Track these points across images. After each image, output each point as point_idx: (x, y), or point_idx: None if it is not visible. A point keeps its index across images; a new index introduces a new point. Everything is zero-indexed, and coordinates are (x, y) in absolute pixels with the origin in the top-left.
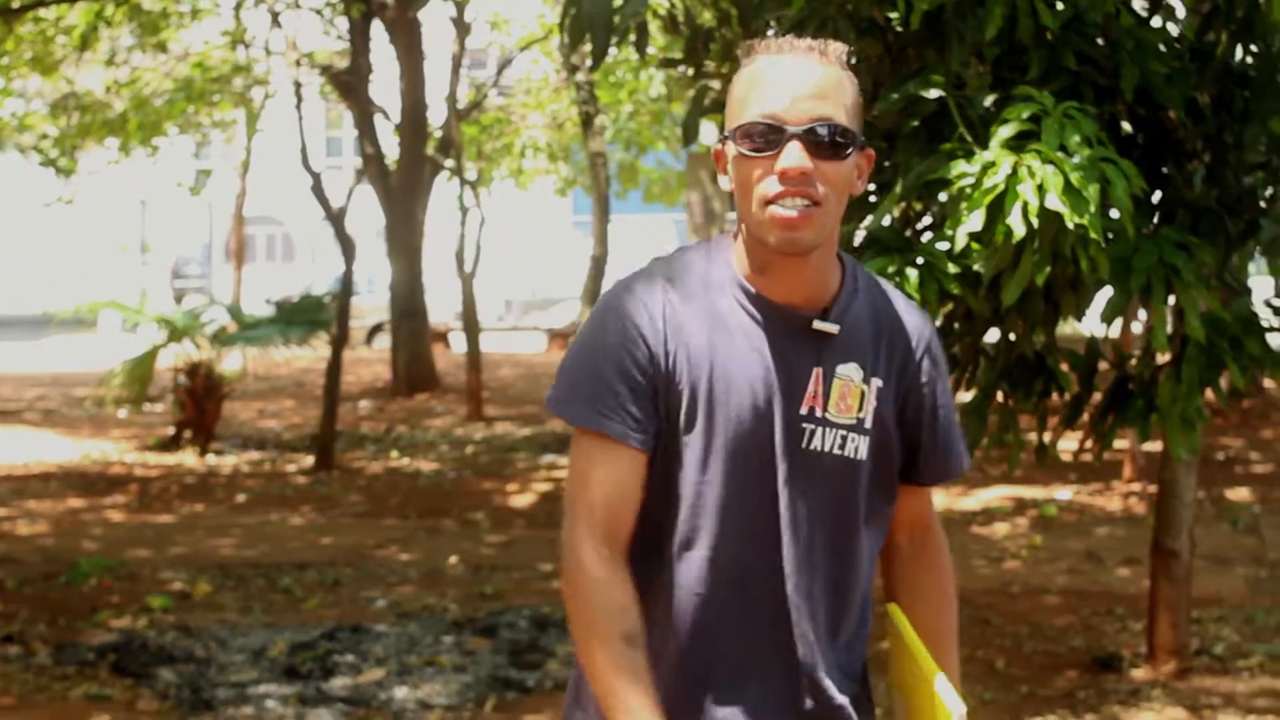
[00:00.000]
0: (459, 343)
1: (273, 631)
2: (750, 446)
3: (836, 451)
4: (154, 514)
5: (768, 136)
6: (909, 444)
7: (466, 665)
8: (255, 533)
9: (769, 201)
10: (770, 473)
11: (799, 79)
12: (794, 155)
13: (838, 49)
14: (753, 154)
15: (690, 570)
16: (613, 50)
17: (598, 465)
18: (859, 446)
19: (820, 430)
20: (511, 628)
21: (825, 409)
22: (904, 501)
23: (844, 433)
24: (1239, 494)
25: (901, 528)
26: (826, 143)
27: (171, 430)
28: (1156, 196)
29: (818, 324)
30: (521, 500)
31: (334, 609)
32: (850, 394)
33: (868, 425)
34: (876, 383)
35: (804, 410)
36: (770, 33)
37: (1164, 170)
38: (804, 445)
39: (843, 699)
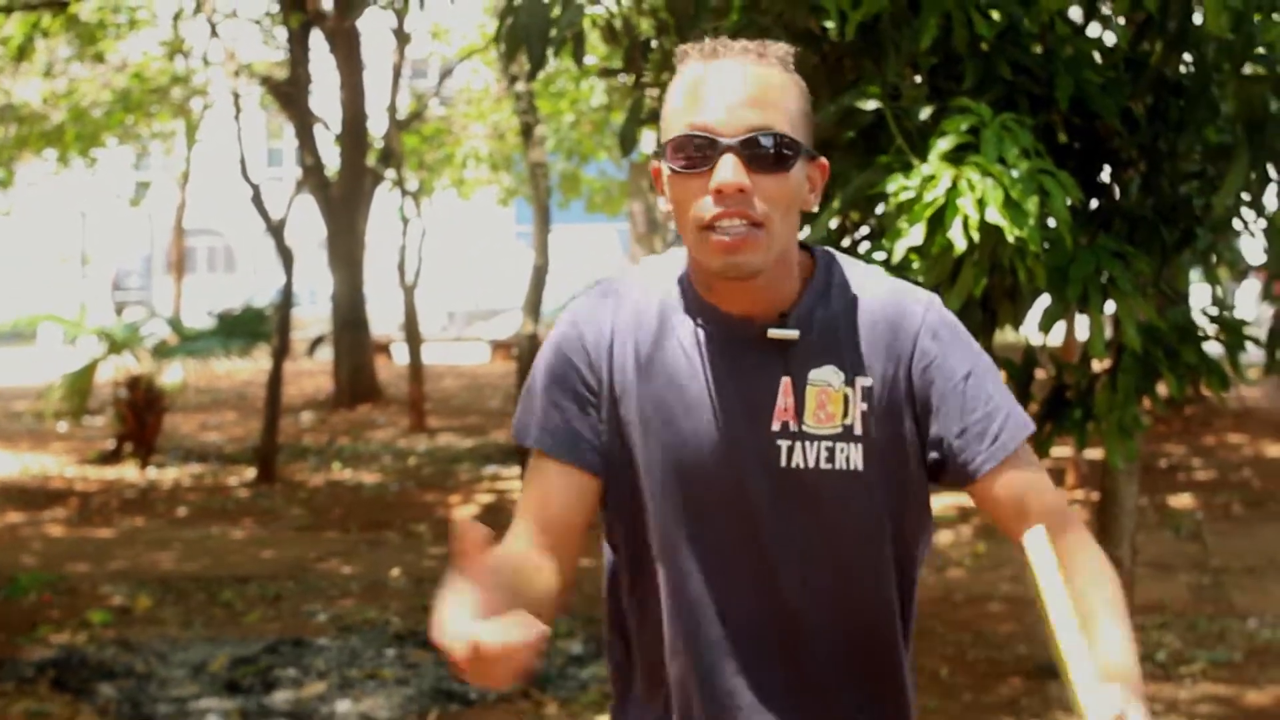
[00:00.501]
0: (401, 354)
1: (214, 646)
2: (718, 473)
3: (825, 466)
4: (94, 528)
5: (701, 151)
6: (937, 436)
7: (409, 678)
8: (196, 546)
9: (705, 226)
10: (746, 499)
11: (734, 84)
12: (729, 171)
13: (780, 50)
14: (685, 171)
15: (671, 608)
16: (553, 60)
17: (537, 480)
18: (850, 456)
19: (799, 445)
20: None
21: (801, 421)
22: (988, 497)
23: (829, 444)
24: (1181, 501)
25: (1012, 526)
26: (767, 155)
27: (112, 443)
28: (1092, 205)
29: (773, 332)
30: (464, 512)
31: (275, 623)
32: (830, 400)
33: (858, 431)
34: (863, 382)
35: (776, 426)
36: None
37: (1100, 179)
38: (782, 464)
39: None
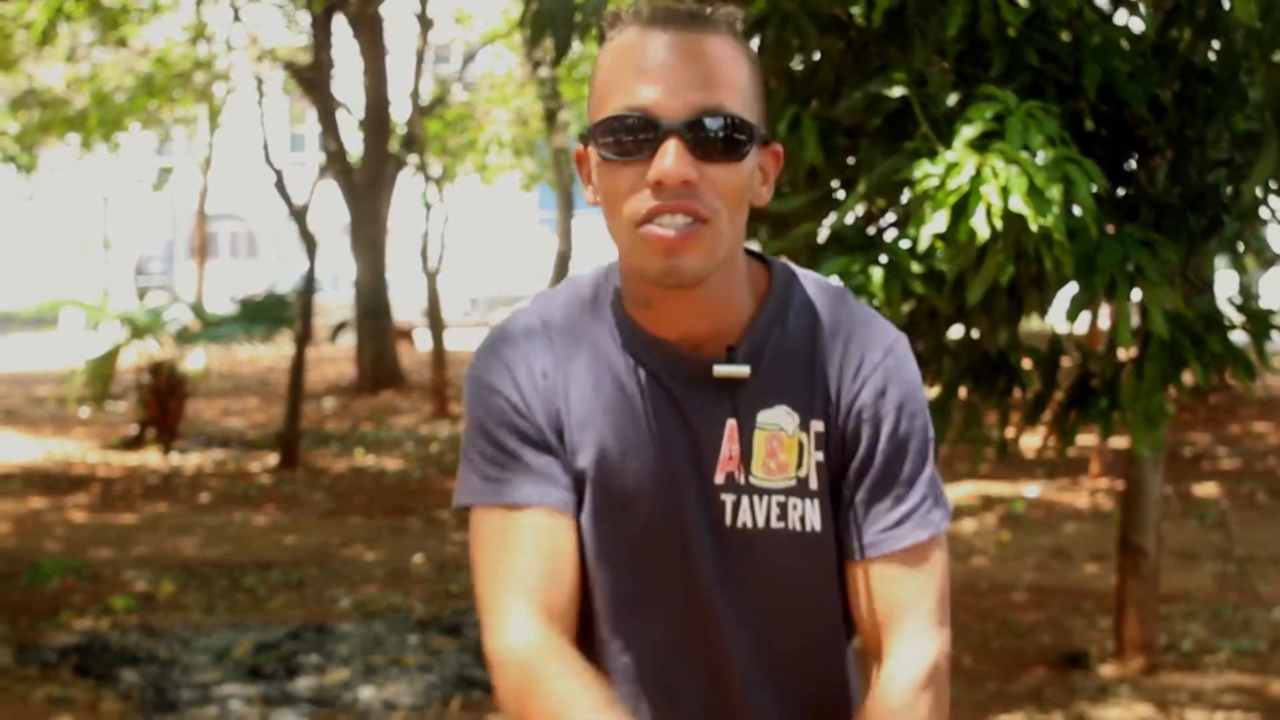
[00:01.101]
0: (424, 340)
1: (237, 632)
2: (660, 532)
3: (776, 525)
4: (117, 514)
5: (637, 135)
6: (846, 497)
7: (432, 665)
8: (219, 532)
9: (641, 221)
10: (690, 563)
11: (677, 57)
12: (671, 159)
13: (728, 13)
14: (618, 158)
15: (619, 678)
16: (578, 45)
17: (513, 541)
18: (806, 514)
19: (745, 500)
20: (477, 627)
21: (749, 472)
22: (857, 590)
23: (780, 499)
24: (1206, 490)
25: (867, 626)
26: (716, 140)
27: (134, 429)
28: (1119, 193)
29: (719, 369)
30: None
31: (298, 609)
32: (782, 447)
33: (813, 485)
34: (817, 427)
35: (720, 478)
36: None
37: (1127, 167)
38: (729, 522)
39: None
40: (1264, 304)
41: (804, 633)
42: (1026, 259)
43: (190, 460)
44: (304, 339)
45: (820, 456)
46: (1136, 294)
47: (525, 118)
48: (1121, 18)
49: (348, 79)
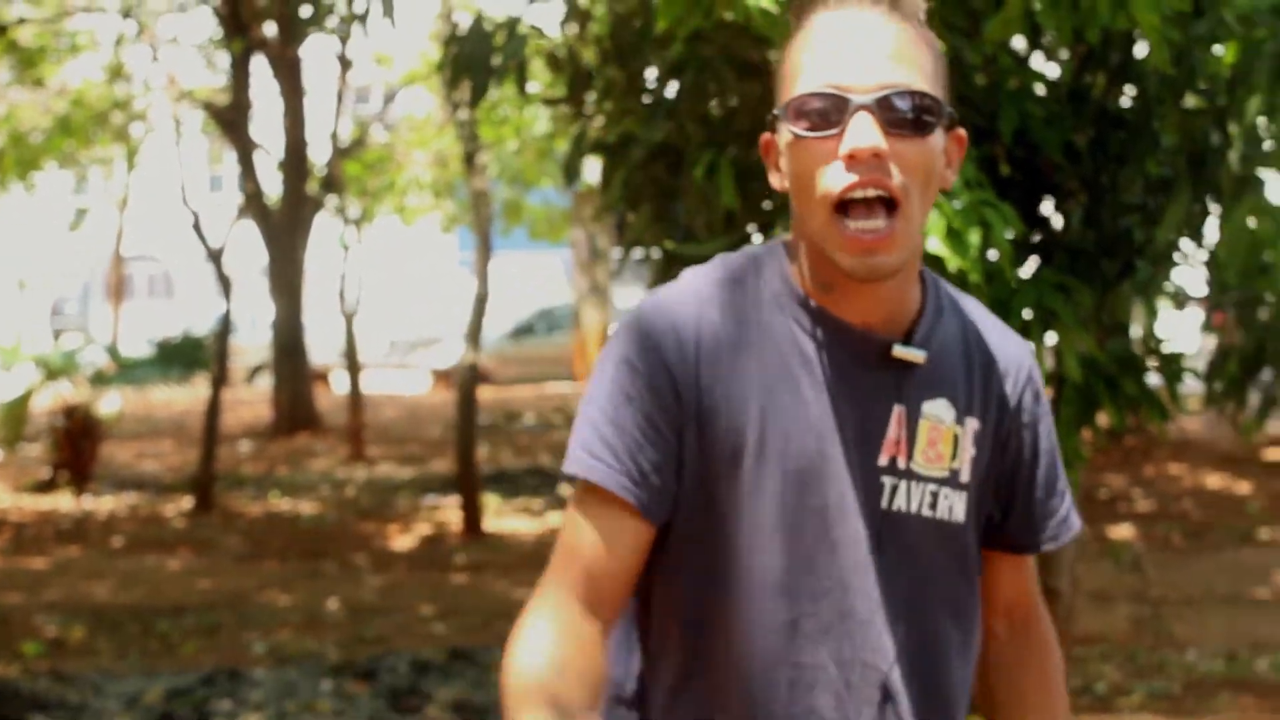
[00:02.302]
0: (341, 382)
1: (148, 678)
2: (816, 507)
3: (927, 513)
4: (28, 557)
5: (829, 112)
6: (1004, 500)
7: (345, 710)
8: (132, 577)
9: (837, 202)
10: (847, 542)
11: (865, 37)
12: (864, 131)
13: (914, 3)
14: (810, 134)
15: (747, 666)
16: (496, 88)
17: (589, 524)
18: (954, 505)
19: (905, 485)
20: (391, 672)
21: (910, 458)
22: (999, 576)
23: (934, 487)
24: (1122, 532)
25: (998, 612)
26: (905, 116)
27: (47, 472)
28: (1035, 238)
29: (898, 350)
30: (403, 542)
31: (211, 654)
32: (941, 438)
33: (964, 478)
34: (972, 424)
35: (884, 460)
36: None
37: (1041, 212)
38: (885, 505)
39: None
40: (1179, 347)
41: (941, 626)
42: None
43: (104, 504)
44: (220, 381)
45: (973, 452)
46: (1051, 337)
47: (445, 159)
48: (1038, 62)
49: (267, 120)
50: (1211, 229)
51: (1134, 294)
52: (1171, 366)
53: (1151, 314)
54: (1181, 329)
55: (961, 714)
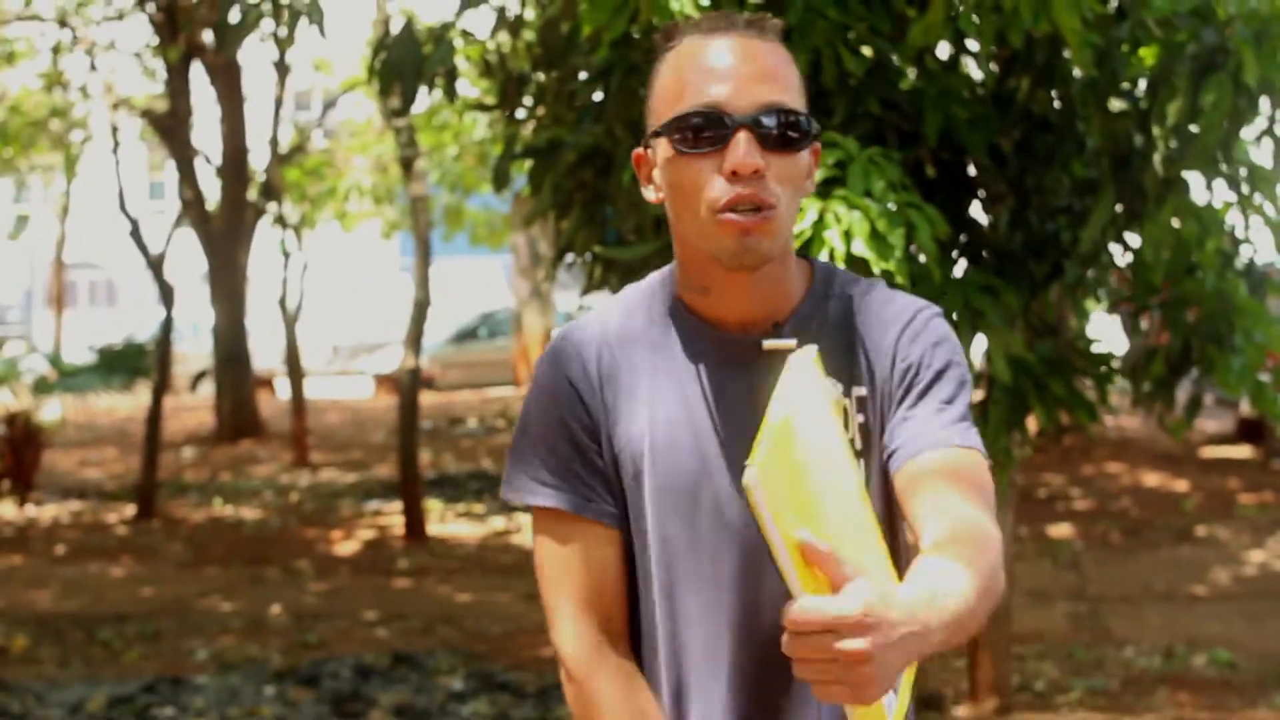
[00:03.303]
0: (284, 388)
1: (91, 685)
2: (716, 504)
3: None
4: None
5: (710, 129)
6: (894, 423)
7: (288, 716)
8: (75, 584)
9: (720, 209)
10: (744, 535)
11: (740, 59)
12: (744, 150)
13: (775, 25)
14: (693, 151)
15: (678, 659)
16: (435, 94)
17: (564, 547)
18: None
19: None
20: (334, 677)
21: None
22: (920, 508)
23: None
24: (1060, 530)
25: (941, 548)
26: (778, 134)
27: None
28: (962, 239)
29: (768, 343)
30: (346, 548)
31: (154, 661)
32: None
33: (857, 446)
34: (859, 392)
35: None
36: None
37: (968, 214)
38: None
39: None
40: (1106, 347)
41: None
42: None
43: (46, 512)
44: (162, 388)
45: (861, 419)
46: (980, 339)
47: (385, 165)
48: (963, 65)
49: (206, 127)
50: (1135, 231)
51: (1063, 295)
52: (1099, 367)
53: (1081, 315)
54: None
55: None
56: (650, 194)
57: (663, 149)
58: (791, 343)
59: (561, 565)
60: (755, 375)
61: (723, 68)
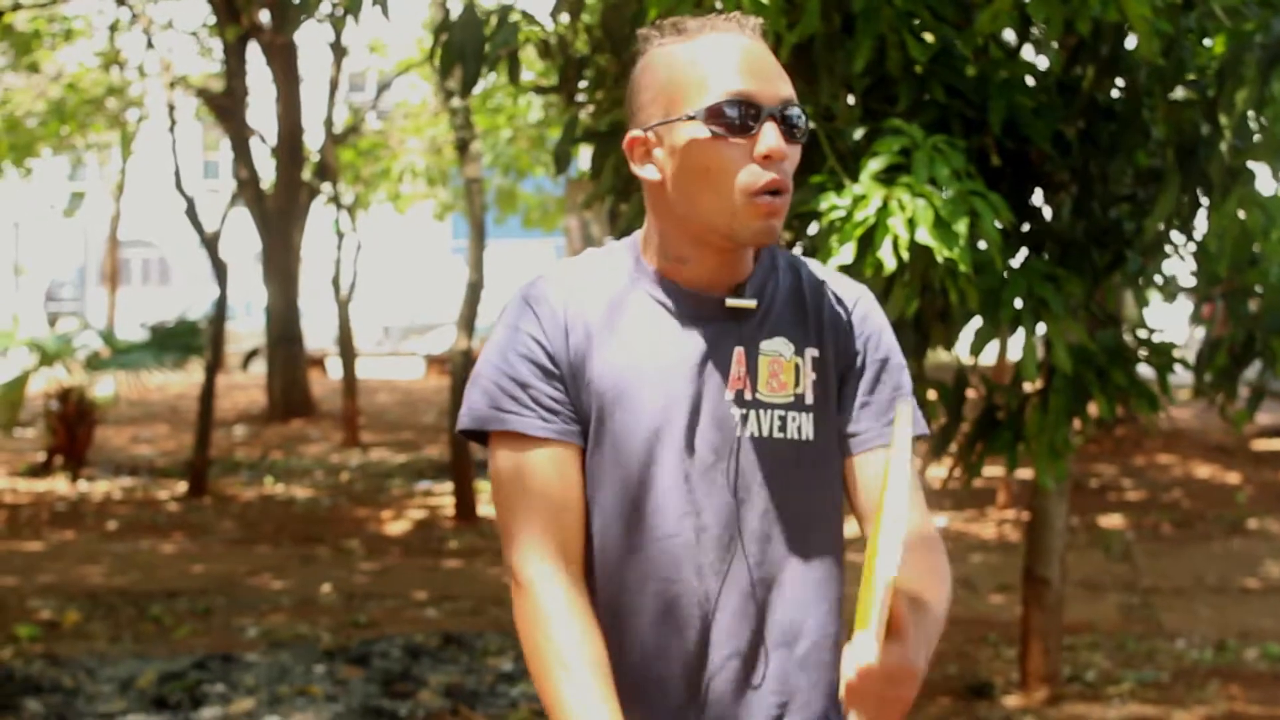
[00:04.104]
0: (335, 368)
1: (142, 661)
2: (677, 441)
3: (778, 435)
4: (23, 541)
5: (744, 118)
6: (845, 406)
7: (338, 695)
8: (126, 560)
9: (756, 192)
10: (705, 467)
11: (758, 57)
12: (775, 137)
13: (759, 23)
14: (727, 135)
15: (622, 586)
16: (489, 76)
17: (524, 471)
18: (802, 425)
19: (754, 413)
20: (384, 657)
21: (755, 390)
22: (854, 481)
23: (781, 412)
24: (1112, 521)
25: (865, 514)
26: (796, 126)
27: (42, 456)
28: (1024, 228)
29: (730, 301)
30: (396, 528)
31: (205, 638)
32: (782, 369)
33: (809, 400)
34: (812, 353)
35: (730, 394)
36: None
37: (1031, 202)
38: (739, 432)
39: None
40: (1168, 338)
41: (800, 534)
42: (932, 292)
43: (98, 487)
44: (214, 366)
45: (814, 377)
46: (1041, 328)
47: (439, 147)
48: (1028, 54)
49: (261, 107)
50: (1200, 220)
51: (1124, 285)
52: (1161, 357)
53: (1142, 304)
54: (1173, 320)
55: (828, 608)
56: (651, 173)
57: (686, 132)
58: (751, 302)
59: (520, 486)
60: (715, 328)
61: (748, 63)
